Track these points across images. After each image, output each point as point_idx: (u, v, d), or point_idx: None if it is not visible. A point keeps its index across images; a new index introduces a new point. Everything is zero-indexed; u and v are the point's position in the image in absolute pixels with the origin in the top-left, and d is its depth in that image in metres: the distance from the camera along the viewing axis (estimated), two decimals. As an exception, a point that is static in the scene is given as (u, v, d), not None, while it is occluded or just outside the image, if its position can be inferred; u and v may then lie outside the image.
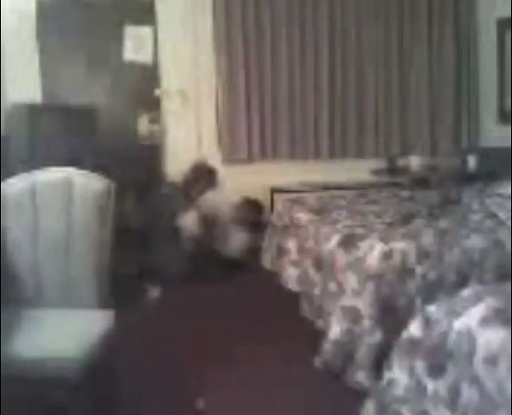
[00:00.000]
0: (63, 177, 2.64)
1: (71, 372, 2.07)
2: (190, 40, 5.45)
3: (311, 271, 3.46)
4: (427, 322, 2.09)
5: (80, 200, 2.59)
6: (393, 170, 5.72)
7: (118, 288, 2.70)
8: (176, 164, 5.41)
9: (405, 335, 2.19)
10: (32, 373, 2.08)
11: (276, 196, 5.40)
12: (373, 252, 2.88)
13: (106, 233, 2.60)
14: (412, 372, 2.10)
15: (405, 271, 2.81)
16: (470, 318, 1.94)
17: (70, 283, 2.55)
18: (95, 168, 2.82)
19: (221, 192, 5.22)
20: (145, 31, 5.44)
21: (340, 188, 5.30)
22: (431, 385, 2.00)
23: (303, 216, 3.91)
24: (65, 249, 2.56)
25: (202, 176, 5.19)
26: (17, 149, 4.17)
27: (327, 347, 2.92)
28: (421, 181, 5.28)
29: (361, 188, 5.08)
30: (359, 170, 5.71)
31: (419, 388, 2.04)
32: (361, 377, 2.75)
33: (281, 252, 4.08)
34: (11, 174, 2.81)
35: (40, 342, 2.19)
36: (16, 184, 2.68)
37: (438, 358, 1.98)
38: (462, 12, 5.93)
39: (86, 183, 2.64)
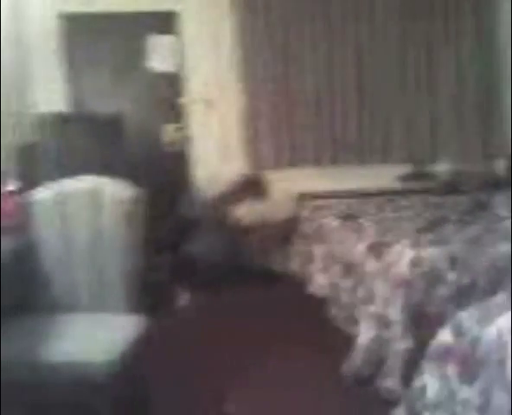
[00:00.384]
0: (92, 185, 2.67)
1: (101, 377, 2.09)
2: (214, 48, 5.48)
3: (340, 278, 3.45)
4: (458, 329, 2.07)
5: (110, 207, 2.61)
6: (420, 176, 5.67)
7: (149, 293, 2.71)
8: (202, 172, 5.44)
9: (436, 341, 2.17)
10: (63, 377, 2.10)
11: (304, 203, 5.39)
12: (402, 258, 2.86)
13: (136, 240, 2.62)
14: (443, 378, 2.08)
15: (435, 278, 2.78)
16: (501, 324, 1.91)
17: (100, 288, 2.58)
18: (122, 176, 2.85)
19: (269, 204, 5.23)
20: (169, 40, 5.49)
21: (367, 194, 5.26)
22: (462, 391, 1.97)
23: (330, 222, 3.90)
24: (95, 256, 2.59)
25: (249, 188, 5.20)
26: (45, 158, 4.21)
27: (356, 353, 2.90)
28: (450, 187, 5.22)
29: (388, 194, 5.04)
30: (386, 176, 5.66)
31: (451, 395, 2.02)
32: (390, 384, 2.72)
33: (309, 257, 4.07)
34: (39, 183, 2.85)
35: (70, 347, 2.21)
36: (45, 192, 2.71)
37: (470, 364, 1.96)
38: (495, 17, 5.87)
39: (115, 191, 2.66)
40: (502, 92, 5.94)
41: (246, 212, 5.03)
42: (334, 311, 3.48)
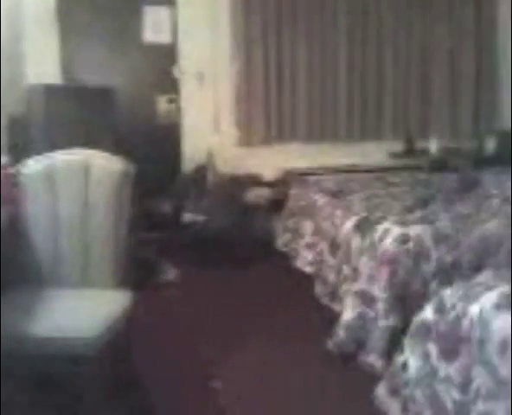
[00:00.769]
0: (81, 159, 2.66)
1: (88, 351, 2.11)
2: (209, 20, 5.44)
3: (326, 254, 3.47)
4: (441, 307, 2.10)
5: (99, 181, 2.61)
6: (411, 153, 5.69)
7: (136, 268, 2.72)
8: (192, 144, 5.44)
9: (418, 318, 2.20)
10: (50, 352, 2.12)
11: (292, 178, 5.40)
12: (388, 235, 2.88)
13: (124, 214, 2.62)
14: (424, 355, 2.11)
15: (420, 255, 2.81)
16: (484, 303, 1.93)
17: (88, 263, 2.59)
18: (113, 148, 2.84)
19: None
20: (164, 11, 5.44)
21: (357, 170, 5.28)
22: (443, 368, 2.01)
23: (319, 199, 3.91)
24: (83, 230, 2.59)
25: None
26: (35, 129, 4.19)
27: (340, 329, 2.93)
28: (440, 164, 5.24)
29: (378, 171, 5.06)
30: (377, 153, 5.69)
31: (432, 372, 2.05)
32: (373, 360, 2.76)
33: (296, 234, 4.09)
34: (29, 155, 2.84)
35: (57, 321, 2.22)
36: (35, 165, 2.70)
37: (452, 342, 1.99)
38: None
39: (105, 165, 2.65)
40: (494, 70, 5.95)
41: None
42: (319, 287, 3.50)
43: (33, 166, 2.70)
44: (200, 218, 4.80)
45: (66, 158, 2.70)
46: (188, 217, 4.80)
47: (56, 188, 2.63)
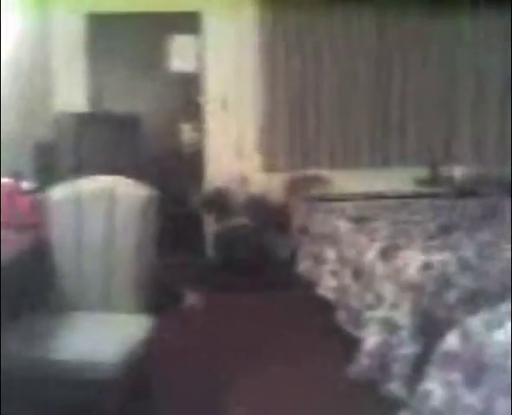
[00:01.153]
0: (107, 185, 2.71)
1: (109, 376, 2.12)
2: (234, 49, 5.51)
3: (349, 280, 3.45)
4: (466, 335, 2.08)
5: (124, 207, 2.64)
6: (435, 179, 5.65)
7: (159, 294, 2.74)
8: (216, 172, 5.48)
9: (443, 346, 2.18)
10: (72, 376, 2.14)
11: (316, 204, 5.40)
12: (413, 262, 2.86)
13: (148, 240, 2.65)
14: (448, 384, 2.09)
15: (444, 283, 2.78)
16: (508, 332, 1.91)
17: (111, 288, 2.61)
18: (139, 175, 2.88)
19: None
20: (190, 40, 5.53)
21: (381, 197, 5.26)
22: (467, 397, 1.98)
23: (342, 225, 3.90)
24: (107, 255, 2.62)
25: None
26: (62, 156, 4.26)
27: (363, 357, 2.91)
28: (464, 191, 5.20)
29: (402, 198, 5.03)
30: (400, 179, 5.66)
31: (455, 400, 2.03)
32: (396, 388, 2.72)
33: (319, 260, 4.08)
34: (55, 181, 2.89)
35: (80, 346, 2.25)
36: (61, 191, 2.75)
37: (476, 370, 1.97)
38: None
39: (130, 191, 2.69)
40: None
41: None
42: (342, 314, 3.48)
43: (60, 192, 2.75)
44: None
45: (92, 184, 2.75)
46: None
47: (82, 213, 2.68)
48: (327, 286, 3.80)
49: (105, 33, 5.34)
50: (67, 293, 2.62)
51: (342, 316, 3.47)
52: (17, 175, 3.08)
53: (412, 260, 2.89)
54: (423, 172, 5.73)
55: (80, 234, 2.65)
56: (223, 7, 5.39)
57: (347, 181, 5.62)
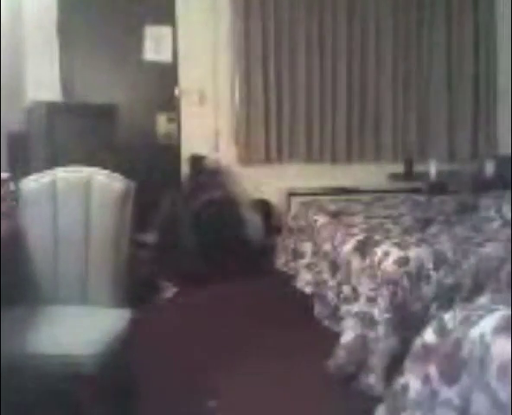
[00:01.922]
0: (82, 176, 2.66)
1: (87, 368, 2.09)
2: (209, 40, 5.49)
3: (326, 275, 3.46)
4: (442, 330, 2.09)
5: (99, 198, 2.60)
6: (410, 175, 5.71)
7: (135, 286, 2.72)
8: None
9: (419, 341, 2.19)
10: (49, 369, 2.11)
11: (292, 199, 5.41)
12: (388, 257, 2.88)
13: (125, 232, 2.61)
14: (425, 378, 2.10)
15: (420, 278, 2.81)
16: (484, 327, 1.93)
17: (87, 281, 2.57)
18: (114, 166, 2.84)
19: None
20: (165, 31, 5.48)
21: (357, 191, 5.29)
22: (443, 392, 1.99)
23: (319, 219, 3.91)
24: (83, 247, 2.58)
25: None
26: (36, 146, 4.20)
27: (340, 351, 2.92)
28: (438, 188, 5.25)
29: (378, 192, 5.07)
30: (376, 174, 5.71)
31: (432, 394, 2.04)
32: (373, 382, 2.74)
33: (296, 254, 4.09)
34: (30, 171, 2.84)
35: (57, 338, 2.21)
36: (36, 182, 2.70)
37: (452, 365, 1.98)
38: (483, 10, 5.91)
39: (106, 182, 2.65)
40: (493, 93, 5.98)
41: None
42: (319, 307, 3.49)
43: (34, 182, 2.70)
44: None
45: (67, 175, 2.70)
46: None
47: (57, 204, 2.63)
48: (304, 280, 3.80)
49: (79, 21, 5.26)
50: (43, 286, 2.58)
51: (319, 310, 3.48)
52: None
53: (388, 255, 2.90)
54: (398, 168, 5.78)
55: (55, 225, 2.60)
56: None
57: (323, 175, 5.64)
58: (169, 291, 4.36)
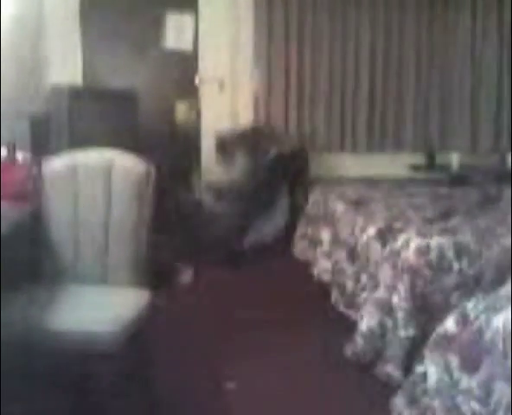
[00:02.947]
0: (104, 158, 2.67)
1: (107, 345, 2.11)
2: (230, 28, 5.47)
3: (345, 262, 3.45)
4: (464, 318, 2.07)
5: (121, 181, 2.61)
6: (431, 166, 5.66)
7: (154, 269, 2.73)
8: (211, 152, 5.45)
9: (440, 329, 2.17)
10: (69, 346, 2.12)
11: (311, 186, 5.38)
12: (410, 245, 2.86)
13: (145, 215, 2.62)
14: (445, 366, 2.09)
15: (441, 267, 2.78)
16: (507, 315, 1.91)
17: (108, 261, 2.59)
18: (134, 151, 2.85)
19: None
20: (186, 19, 5.48)
21: (378, 181, 5.25)
22: (464, 380, 1.98)
23: (339, 207, 3.89)
24: (104, 228, 2.60)
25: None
26: (57, 129, 4.23)
27: (358, 338, 2.92)
28: (460, 179, 5.21)
29: (399, 182, 5.03)
30: (397, 165, 5.67)
31: (452, 383, 2.03)
32: (391, 370, 2.73)
33: (314, 241, 4.08)
34: (52, 154, 2.86)
35: (77, 316, 2.23)
36: (57, 163, 2.72)
37: (473, 354, 1.97)
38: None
39: (127, 165, 2.66)
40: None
41: None
42: (337, 295, 3.48)
43: (56, 165, 2.72)
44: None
45: (88, 158, 2.72)
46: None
47: (78, 185, 2.65)
48: (322, 268, 3.79)
49: (101, 8, 5.27)
50: (64, 265, 2.59)
51: (336, 298, 3.47)
52: (12, 146, 3.03)
53: (409, 243, 2.88)
54: (419, 158, 5.74)
55: (76, 207, 2.62)
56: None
57: (343, 165, 5.62)
58: (187, 274, 4.36)
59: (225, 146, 5.21)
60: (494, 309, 1.99)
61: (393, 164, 5.67)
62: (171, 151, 5.28)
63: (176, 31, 5.48)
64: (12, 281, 2.34)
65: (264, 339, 3.35)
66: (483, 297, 2.16)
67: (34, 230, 2.60)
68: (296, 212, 4.80)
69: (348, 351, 2.96)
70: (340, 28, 5.61)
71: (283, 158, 4.97)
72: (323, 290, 3.69)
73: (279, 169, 4.97)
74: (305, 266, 4.12)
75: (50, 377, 2.18)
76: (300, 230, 4.48)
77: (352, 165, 5.64)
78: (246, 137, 5.22)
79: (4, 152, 2.97)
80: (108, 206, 2.62)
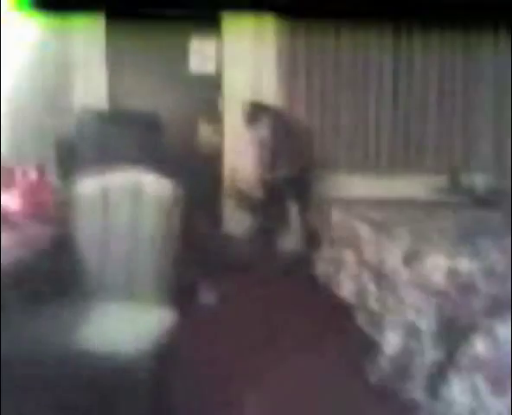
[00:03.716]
0: (133, 179, 2.72)
1: (133, 363, 2.13)
2: (254, 53, 5.52)
3: (370, 285, 3.44)
4: (493, 341, 2.06)
5: (150, 201, 2.65)
6: (455, 188, 5.62)
7: (180, 288, 2.74)
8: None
9: (469, 352, 2.16)
10: (95, 365, 2.13)
11: (333, 208, 5.36)
12: (437, 269, 2.84)
13: (172, 235, 2.65)
14: (473, 390, 2.07)
15: (469, 290, 2.76)
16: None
17: (134, 280, 2.62)
18: (160, 174, 2.88)
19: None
20: (211, 43, 5.54)
21: (401, 202, 5.22)
22: (493, 404, 1.96)
23: (363, 229, 3.88)
24: (131, 248, 2.63)
25: None
26: (84, 152, 4.28)
27: (384, 362, 2.89)
28: (485, 201, 5.16)
29: (423, 205, 5.00)
30: (419, 186, 5.63)
31: (481, 406, 2.01)
32: (417, 394, 2.70)
33: (338, 263, 4.07)
34: (79, 176, 2.90)
35: (104, 334, 2.26)
36: (87, 184, 2.76)
37: (503, 377, 1.95)
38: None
39: (156, 186, 2.70)
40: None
41: None
42: (362, 318, 3.47)
43: (86, 184, 2.76)
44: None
45: (117, 178, 2.76)
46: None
47: (107, 206, 2.69)
48: (347, 289, 3.78)
49: (126, 32, 5.35)
50: (90, 283, 2.63)
51: (362, 319, 3.45)
52: (42, 168, 3.08)
53: (437, 266, 2.86)
54: (442, 180, 5.70)
55: (105, 226, 2.66)
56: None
57: (365, 186, 5.61)
58: (211, 294, 4.36)
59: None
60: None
61: (416, 186, 5.63)
62: (195, 175, 5.31)
63: (201, 56, 5.55)
64: (41, 300, 2.37)
65: (288, 360, 3.34)
66: (512, 321, 2.14)
67: (61, 250, 2.63)
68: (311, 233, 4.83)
69: (374, 373, 2.93)
70: (362, 46, 5.64)
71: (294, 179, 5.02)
72: (349, 311, 3.67)
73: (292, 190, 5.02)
74: (328, 287, 4.10)
75: (73, 394, 2.19)
76: (324, 250, 4.47)
77: (374, 187, 5.62)
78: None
79: (34, 174, 3.02)
80: (136, 225, 2.65)
